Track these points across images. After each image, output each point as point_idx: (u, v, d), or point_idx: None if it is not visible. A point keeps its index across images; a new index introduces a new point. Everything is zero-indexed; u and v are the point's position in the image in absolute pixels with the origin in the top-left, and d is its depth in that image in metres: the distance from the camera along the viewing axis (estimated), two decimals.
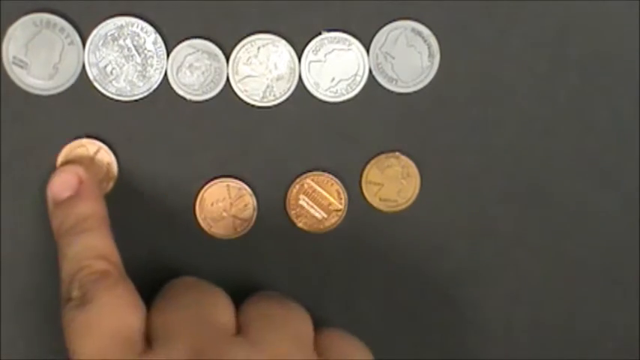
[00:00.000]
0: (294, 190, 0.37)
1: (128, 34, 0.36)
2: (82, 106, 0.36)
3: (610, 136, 0.38)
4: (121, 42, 0.36)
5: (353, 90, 0.37)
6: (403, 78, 0.37)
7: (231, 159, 0.37)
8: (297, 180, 0.37)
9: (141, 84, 0.36)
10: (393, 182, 0.37)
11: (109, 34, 0.36)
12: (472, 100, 0.38)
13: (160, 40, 0.36)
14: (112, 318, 0.32)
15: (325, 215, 0.37)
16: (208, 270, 0.37)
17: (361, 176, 0.37)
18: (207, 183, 0.37)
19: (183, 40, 0.36)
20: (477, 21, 0.37)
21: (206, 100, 0.37)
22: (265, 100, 0.37)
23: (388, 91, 0.37)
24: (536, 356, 0.38)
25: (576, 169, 0.38)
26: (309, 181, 0.37)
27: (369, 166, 0.37)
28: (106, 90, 0.36)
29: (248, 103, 0.37)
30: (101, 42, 0.36)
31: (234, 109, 0.37)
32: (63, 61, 0.36)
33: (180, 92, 0.37)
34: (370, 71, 0.37)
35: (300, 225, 0.37)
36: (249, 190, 0.37)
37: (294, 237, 0.37)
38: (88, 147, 0.36)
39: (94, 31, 0.36)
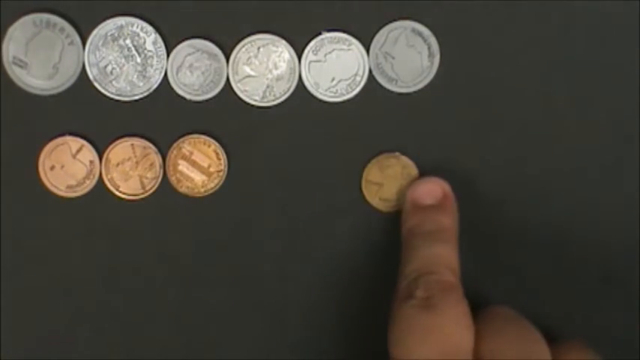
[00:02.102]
0: (172, 156, 0.37)
1: (128, 34, 0.36)
2: (82, 106, 0.36)
3: (610, 136, 0.38)
4: (121, 42, 0.36)
5: (353, 90, 0.37)
6: (403, 78, 0.37)
7: (231, 158, 0.37)
8: (175, 145, 0.37)
9: (141, 84, 0.36)
10: (393, 182, 0.37)
11: (109, 34, 0.36)
12: (472, 100, 0.38)
13: (159, 40, 0.36)
14: (454, 332, 0.32)
15: (206, 178, 0.37)
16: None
17: (361, 176, 0.37)
18: (111, 143, 0.36)
19: (183, 40, 0.36)
20: (476, 21, 0.37)
21: (206, 100, 0.37)
22: (265, 100, 0.37)
23: (388, 91, 0.37)
24: None
25: (576, 169, 0.38)
26: (185, 145, 0.37)
27: (369, 166, 0.37)
28: (106, 90, 0.36)
29: (248, 103, 0.37)
30: (101, 42, 0.36)
31: (234, 109, 0.37)
32: (63, 61, 0.36)
33: (180, 92, 0.37)
34: (370, 71, 0.37)
35: (182, 190, 0.37)
36: (154, 148, 0.37)
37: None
38: (71, 144, 0.36)
39: (94, 31, 0.36)
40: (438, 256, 0.34)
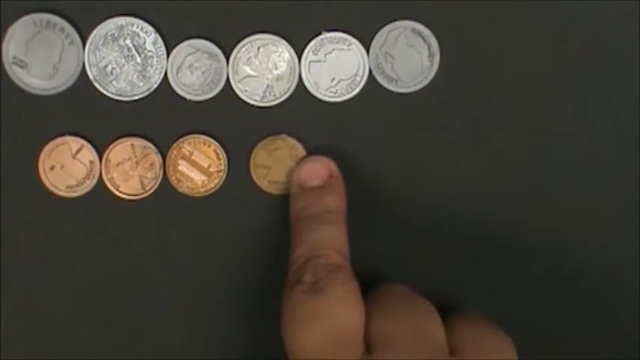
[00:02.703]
0: (172, 156, 0.37)
1: (128, 34, 0.36)
2: (82, 106, 0.36)
3: (610, 136, 0.38)
4: (121, 42, 0.36)
5: (353, 90, 0.37)
6: (403, 78, 0.37)
7: (231, 158, 0.37)
8: (175, 145, 0.37)
9: (141, 84, 0.36)
10: (282, 164, 0.37)
11: (109, 34, 0.36)
12: (472, 100, 0.38)
13: (160, 40, 0.36)
14: (342, 314, 0.32)
15: (206, 178, 0.37)
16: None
17: (249, 160, 0.37)
18: (111, 143, 0.36)
19: (183, 40, 0.36)
20: (477, 21, 0.37)
21: (206, 100, 0.37)
22: (265, 100, 0.37)
23: (388, 91, 0.37)
24: (536, 356, 0.38)
25: (576, 169, 0.38)
26: (185, 145, 0.37)
27: (256, 150, 0.37)
28: (106, 90, 0.36)
29: (248, 103, 0.37)
30: (101, 42, 0.36)
31: (234, 109, 0.37)
32: (63, 61, 0.36)
33: (180, 92, 0.37)
34: (370, 71, 0.37)
35: (182, 190, 0.37)
36: (154, 148, 0.37)
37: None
38: (71, 144, 0.36)
39: (94, 31, 0.36)
40: (325, 238, 0.34)
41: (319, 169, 0.36)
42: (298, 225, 0.35)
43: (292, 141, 0.37)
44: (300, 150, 0.37)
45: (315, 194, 0.36)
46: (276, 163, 0.37)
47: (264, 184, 0.37)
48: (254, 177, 0.37)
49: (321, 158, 0.36)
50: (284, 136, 0.37)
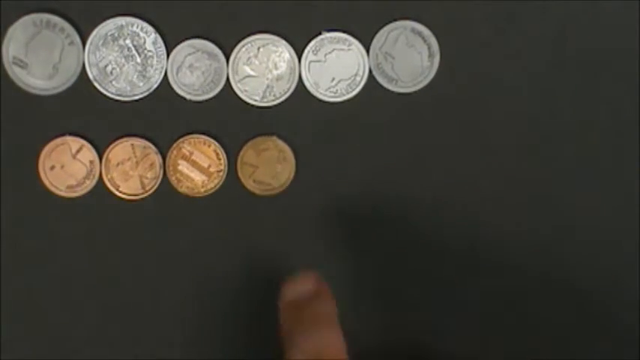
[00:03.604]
0: (172, 156, 0.37)
1: (128, 34, 0.36)
2: (82, 106, 0.36)
3: (610, 136, 0.38)
4: (121, 42, 0.36)
5: (353, 90, 0.37)
6: (403, 78, 0.37)
7: (231, 158, 0.37)
8: (175, 145, 0.37)
9: (141, 84, 0.36)
10: (268, 165, 0.37)
11: (109, 34, 0.36)
12: (472, 100, 0.38)
13: (159, 40, 0.36)
14: None
15: (206, 178, 0.37)
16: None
17: (237, 157, 0.37)
18: (111, 143, 0.36)
19: (183, 40, 0.36)
20: (476, 21, 0.37)
21: (206, 100, 0.37)
22: (265, 100, 0.37)
23: (388, 91, 0.37)
24: (536, 356, 0.38)
25: (576, 169, 0.38)
26: (185, 145, 0.37)
27: (245, 148, 0.37)
28: (106, 90, 0.36)
29: (248, 103, 0.37)
30: (101, 42, 0.36)
31: (234, 109, 0.37)
32: (63, 61, 0.36)
33: (180, 92, 0.37)
34: (370, 71, 0.37)
35: (182, 190, 0.37)
36: (154, 148, 0.37)
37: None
38: (71, 144, 0.36)
39: (94, 31, 0.36)
40: (324, 346, 0.32)
41: (305, 286, 0.34)
42: (290, 327, 0.33)
43: (281, 144, 0.37)
44: (289, 154, 0.37)
45: (305, 309, 0.33)
46: (263, 163, 0.37)
47: (248, 183, 0.37)
48: (240, 174, 0.37)
49: (305, 276, 0.34)
50: (274, 137, 0.37)
